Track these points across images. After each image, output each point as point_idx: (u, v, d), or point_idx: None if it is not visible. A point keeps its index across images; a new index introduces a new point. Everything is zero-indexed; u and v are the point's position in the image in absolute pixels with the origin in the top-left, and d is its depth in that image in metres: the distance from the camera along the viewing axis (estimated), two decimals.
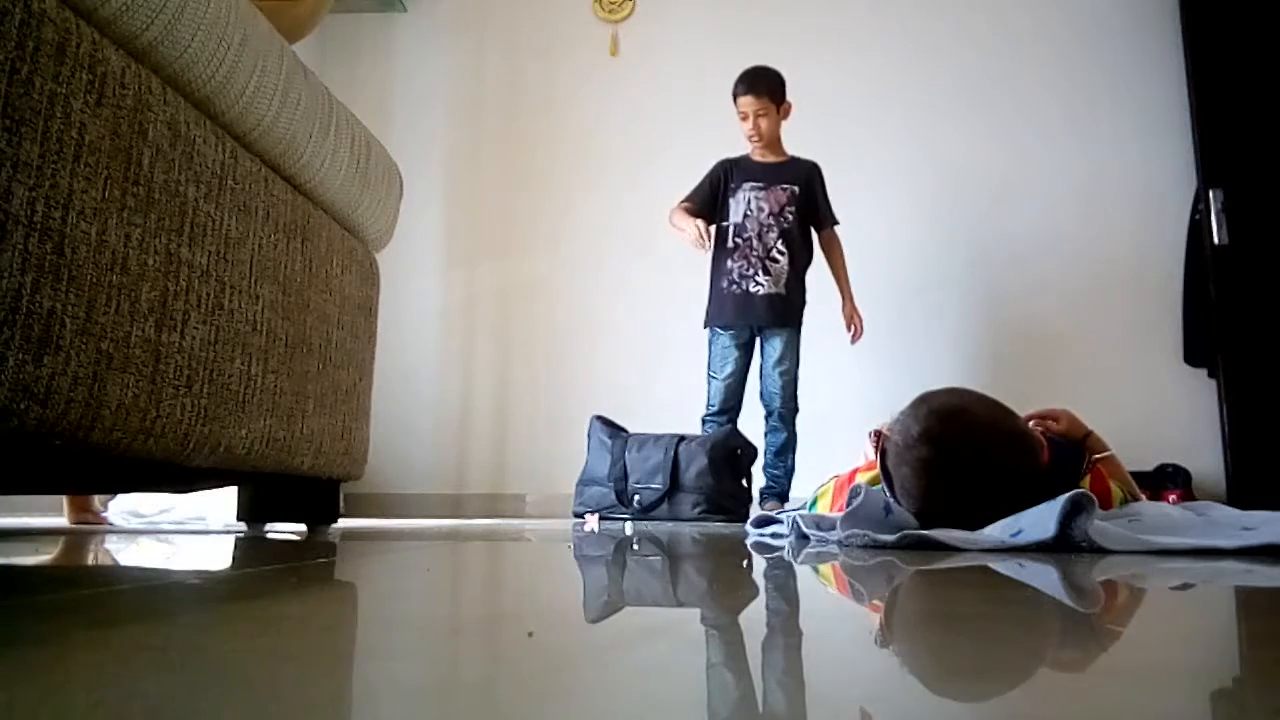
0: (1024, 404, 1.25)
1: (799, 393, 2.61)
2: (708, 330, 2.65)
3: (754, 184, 2.64)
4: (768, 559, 0.96)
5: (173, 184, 0.89)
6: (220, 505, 1.76)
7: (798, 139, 3.23)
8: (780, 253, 2.58)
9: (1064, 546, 0.96)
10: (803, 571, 0.83)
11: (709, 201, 2.68)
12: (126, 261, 0.81)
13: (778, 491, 2.56)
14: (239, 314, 1.02)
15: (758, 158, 2.70)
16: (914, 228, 3.14)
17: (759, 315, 2.57)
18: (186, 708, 0.28)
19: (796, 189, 2.63)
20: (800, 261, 2.61)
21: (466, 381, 3.28)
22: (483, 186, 3.41)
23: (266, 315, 1.09)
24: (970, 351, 2.99)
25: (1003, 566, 0.80)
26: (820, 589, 0.72)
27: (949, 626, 0.47)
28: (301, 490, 1.44)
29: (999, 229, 3.10)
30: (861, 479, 1.31)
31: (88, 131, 0.77)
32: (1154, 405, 2.87)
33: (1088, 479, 1.21)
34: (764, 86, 2.65)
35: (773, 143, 2.69)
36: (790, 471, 2.58)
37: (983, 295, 3.07)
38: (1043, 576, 0.73)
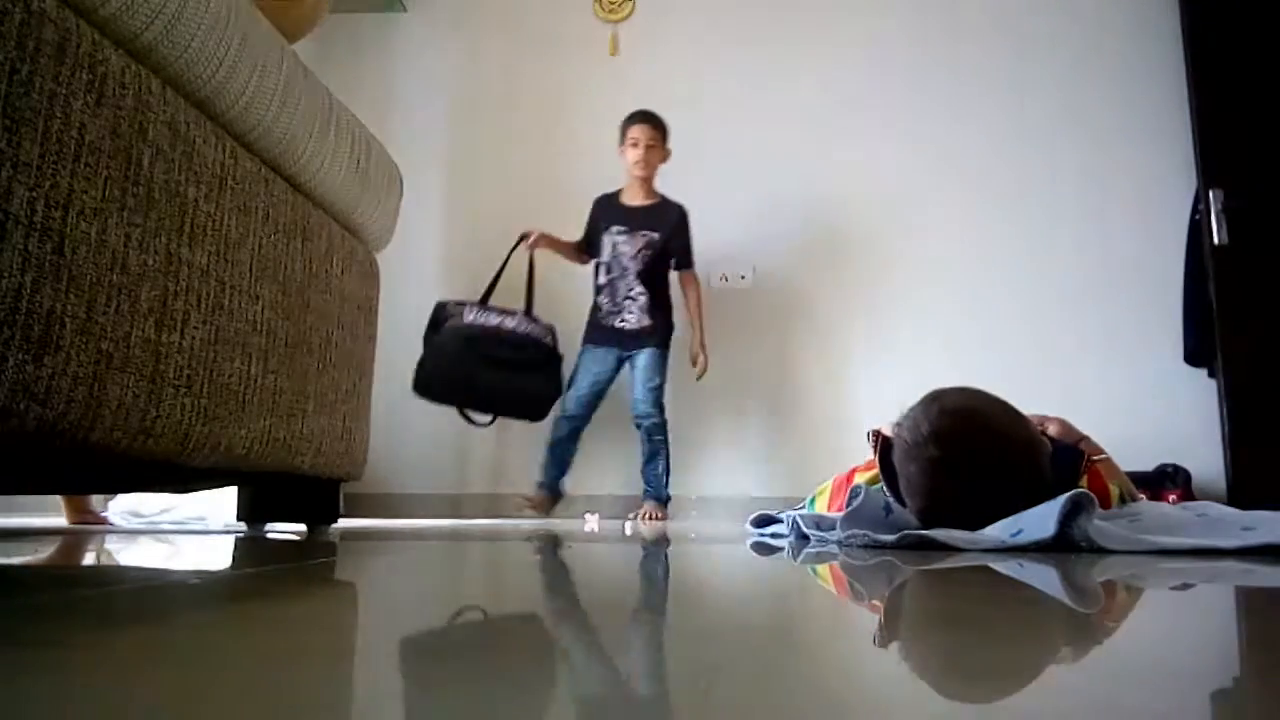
0: (1024, 405, 1.25)
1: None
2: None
3: (619, 227, 2.82)
4: (768, 559, 0.96)
5: (173, 184, 0.89)
6: (220, 505, 1.76)
7: (797, 140, 3.24)
8: (640, 293, 2.78)
9: (1064, 546, 0.96)
10: (802, 571, 0.83)
11: (588, 235, 2.92)
12: (126, 261, 0.81)
13: (654, 495, 2.75)
14: (239, 314, 1.02)
15: (627, 199, 2.87)
16: (913, 227, 3.13)
17: (624, 344, 2.79)
18: (186, 708, 0.28)
19: (657, 235, 2.79)
20: (660, 296, 2.81)
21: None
22: (483, 186, 3.41)
23: (266, 315, 1.09)
24: (969, 352, 2.99)
25: (1003, 566, 0.80)
26: (820, 589, 0.72)
27: (949, 626, 0.47)
28: (301, 490, 1.44)
29: (998, 229, 3.10)
30: (861, 479, 1.30)
31: (88, 131, 0.77)
32: (1154, 405, 2.87)
33: (1085, 479, 1.20)
34: (659, 123, 2.85)
35: (648, 180, 2.85)
36: (661, 475, 2.76)
37: (982, 295, 3.07)
38: (1043, 576, 0.73)
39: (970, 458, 1.10)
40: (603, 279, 2.83)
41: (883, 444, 1.22)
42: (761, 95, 3.27)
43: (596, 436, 3.13)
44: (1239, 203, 2.73)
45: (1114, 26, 3.15)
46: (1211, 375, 2.80)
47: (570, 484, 2.92)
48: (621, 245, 2.81)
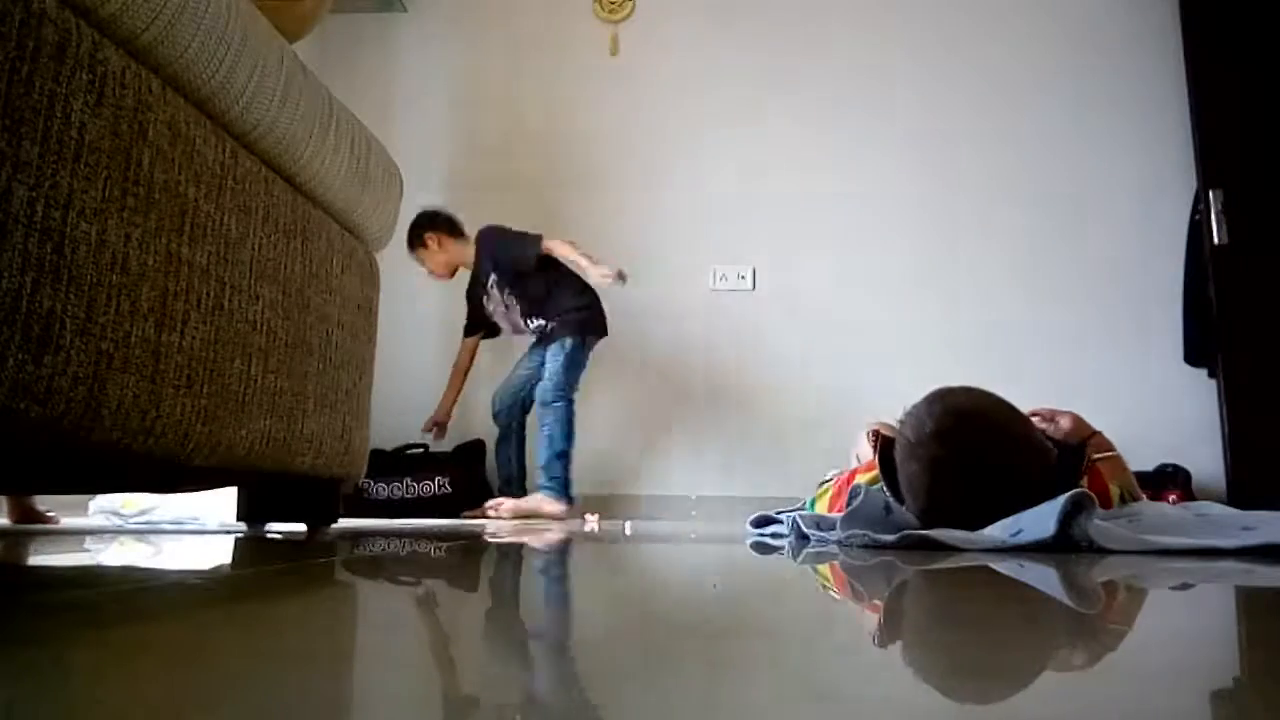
0: (1023, 405, 1.25)
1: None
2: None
3: (482, 298, 2.84)
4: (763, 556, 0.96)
5: (173, 184, 0.89)
6: (213, 505, 1.75)
7: (797, 139, 3.24)
8: (530, 317, 2.77)
9: (1064, 546, 0.95)
10: (802, 571, 0.83)
11: (483, 322, 2.92)
12: (126, 261, 0.81)
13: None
14: (239, 314, 1.02)
15: (467, 277, 2.88)
16: (913, 228, 3.14)
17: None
18: (186, 708, 0.28)
19: (493, 275, 2.77)
20: (545, 302, 2.74)
21: (466, 382, 3.28)
22: (483, 186, 3.41)
23: (266, 315, 1.09)
24: (969, 351, 2.99)
25: (1003, 566, 0.80)
26: (819, 589, 0.71)
27: (949, 626, 0.47)
28: (301, 490, 1.44)
29: (999, 229, 3.10)
30: (861, 479, 1.30)
31: (88, 131, 0.77)
32: (1154, 405, 2.87)
33: (1086, 479, 1.20)
34: (409, 242, 2.82)
35: (452, 265, 2.86)
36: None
37: (982, 295, 3.07)
38: (1043, 576, 0.73)
39: (971, 457, 1.10)
40: (513, 335, 2.92)
41: (883, 443, 1.22)
42: (761, 95, 3.27)
43: (596, 435, 3.14)
44: (1239, 203, 2.73)
45: (1114, 27, 3.15)
46: (1211, 375, 2.80)
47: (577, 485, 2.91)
48: (489, 304, 2.83)
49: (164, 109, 0.88)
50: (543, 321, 2.75)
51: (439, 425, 2.94)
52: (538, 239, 2.71)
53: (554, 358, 2.67)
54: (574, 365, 2.69)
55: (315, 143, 1.19)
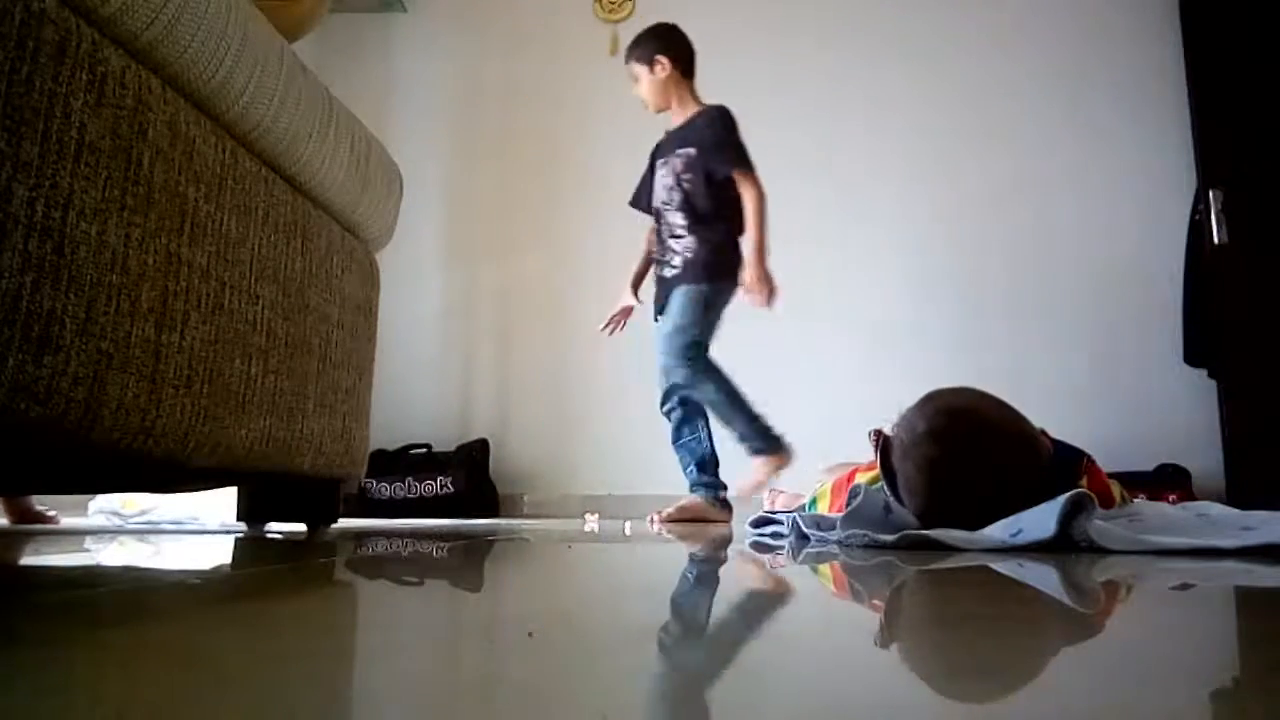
0: (1023, 405, 1.25)
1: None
2: None
3: (661, 159, 2.45)
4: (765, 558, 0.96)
5: (173, 184, 0.89)
6: (213, 505, 1.75)
7: (797, 139, 3.24)
8: (682, 229, 2.37)
9: (1064, 546, 0.95)
10: (801, 571, 0.83)
11: (645, 191, 2.51)
12: (126, 261, 0.81)
13: (694, 483, 2.39)
14: (239, 314, 1.02)
15: (670, 127, 2.48)
16: (913, 227, 3.14)
17: (665, 298, 2.41)
18: (186, 708, 0.28)
19: (693, 151, 2.36)
20: (711, 230, 2.35)
21: (466, 381, 3.28)
22: (483, 186, 3.41)
23: (266, 315, 1.09)
24: (969, 352, 2.99)
25: (1003, 566, 0.80)
26: (819, 589, 0.72)
27: (949, 626, 0.47)
28: (301, 490, 1.44)
29: (999, 229, 3.10)
30: (861, 479, 1.30)
31: (88, 131, 0.77)
32: (1154, 405, 2.87)
33: (1086, 479, 1.20)
34: (631, 52, 2.47)
35: (669, 102, 2.46)
36: (687, 458, 2.40)
37: (982, 295, 3.07)
38: (1043, 576, 0.73)
39: (966, 456, 1.11)
40: (654, 227, 2.47)
41: (883, 443, 1.22)
42: (761, 95, 3.26)
43: (596, 435, 3.14)
44: (1239, 203, 2.73)
45: (1114, 26, 3.15)
46: (1211, 375, 2.80)
47: (563, 482, 2.91)
48: (662, 179, 2.42)
49: (164, 109, 0.88)
50: (682, 248, 2.36)
51: (619, 315, 2.52)
52: (747, 164, 2.33)
53: (679, 308, 2.31)
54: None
55: (315, 143, 1.19)
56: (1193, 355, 2.83)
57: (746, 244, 2.34)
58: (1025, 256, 3.06)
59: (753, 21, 3.34)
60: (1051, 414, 1.39)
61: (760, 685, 0.32)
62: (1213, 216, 2.73)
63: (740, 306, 2.40)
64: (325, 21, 1.61)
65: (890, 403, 1.27)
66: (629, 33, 3.42)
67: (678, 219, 2.38)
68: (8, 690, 0.30)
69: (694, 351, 2.29)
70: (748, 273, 2.30)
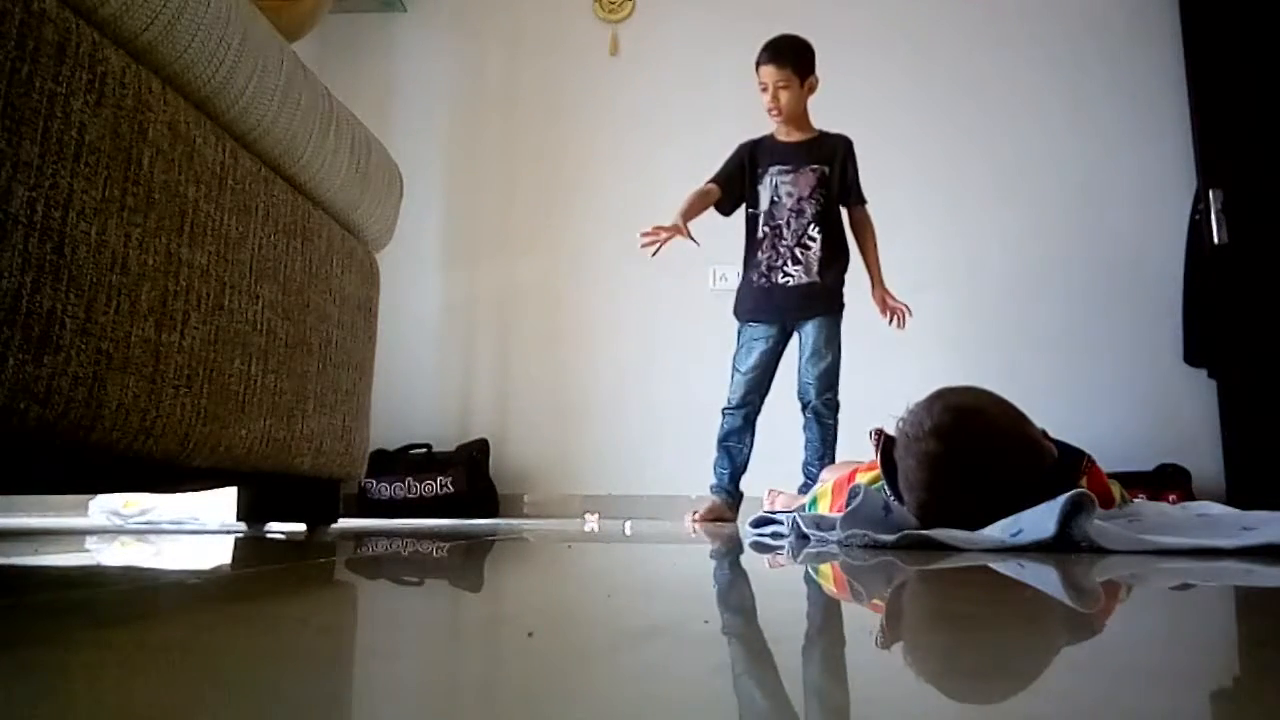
0: (1023, 405, 1.25)
1: (840, 385, 2.50)
2: (738, 321, 2.53)
3: (781, 167, 2.45)
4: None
5: (173, 184, 0.89)
6: (213, 505, 1.75)
7: None
8: (812, 239, 2.41)
9: (1064, 546, 0.95)
10: (800, 571, 0.83)
11: (734, 183, 2.50)
12: (126, 261, 0.81)
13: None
14: (239, 314, 1.02)
15: (783, 137, 2.50)
16: (913, 227, 3.13)
17: (789, 308, 2.43)
18: (186, 708, 0.28)
19: (827, 169, 2.44)
20: (835, 247, 2.45)
21: (466, 381, 3.28)
22: (483, 186, 3.41)
23: (266, 315, 1.09)
24: (969, 352, 2.99)
25: (1003, 566, 0.80)
26: (820, 589, 0.71)
27: (949, 626, 0.47)
28: (301, 490, 1.44)
29: (998, 229, 3.10)
30: (861, 479, 1.31)
31: (88, 131, 0.77)
32: (1154, 405, 2.87)
33: (1086, 479, 1.20)
34: (789, 57, 2.44)
35: (796, 118, 2.48)
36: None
37: (982, 295, 3.07)
38: (1043, 576, 0.73)
39: (968, 454, 1.11)
40: (763, 231, 2.45)
41: (885, 442, 1.23)
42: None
43: (596, 435, 3.14)
44: (1239, 203, 2.73)
45: (1114, 26, 3.15)
46: (1211, 375, 2.80)
47: (563, 482, 2.91)
48: (786, 186, 2.43)
49: (164, 109, 0.88)
50: (808, 259, 2.41)
51: (666, 231, 2.33)
52: (863, 202, 2.47)
53: (824, 340, 2.41)
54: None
55: (315, 143, 1.19)
56: (1193, 355, 2.83)
57: (873, 270, 2.50)
58: (1025, 256, 3.06)
59: (750, 22, 3.33)
60: (1051, 414, 1.39)
61: (760, 685, 0.32)
62: (1213, 216, 2.73)
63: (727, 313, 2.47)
64: (325, 21, 1.61)
65: (890, 403, 1.27)
66: (629, 33, 3.43)
67: (813, 231, 2.44)
68: (8, 690, 0.30)
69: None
70: (883, 296, 2.48)
